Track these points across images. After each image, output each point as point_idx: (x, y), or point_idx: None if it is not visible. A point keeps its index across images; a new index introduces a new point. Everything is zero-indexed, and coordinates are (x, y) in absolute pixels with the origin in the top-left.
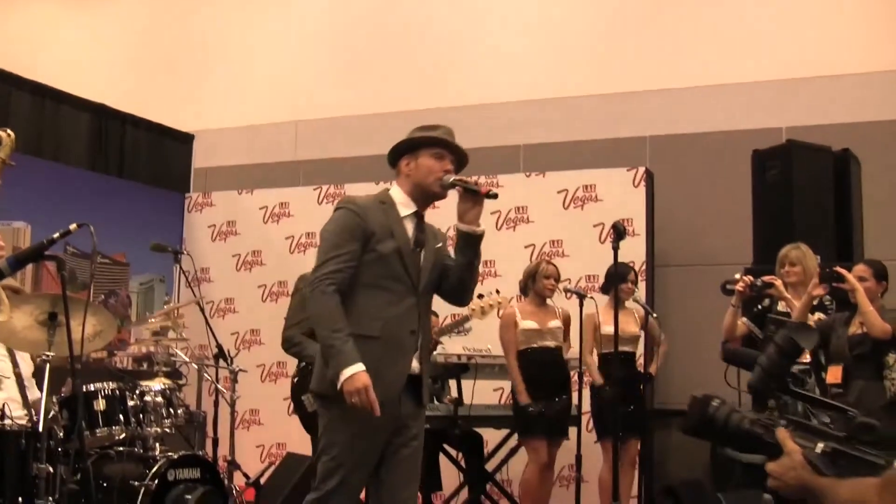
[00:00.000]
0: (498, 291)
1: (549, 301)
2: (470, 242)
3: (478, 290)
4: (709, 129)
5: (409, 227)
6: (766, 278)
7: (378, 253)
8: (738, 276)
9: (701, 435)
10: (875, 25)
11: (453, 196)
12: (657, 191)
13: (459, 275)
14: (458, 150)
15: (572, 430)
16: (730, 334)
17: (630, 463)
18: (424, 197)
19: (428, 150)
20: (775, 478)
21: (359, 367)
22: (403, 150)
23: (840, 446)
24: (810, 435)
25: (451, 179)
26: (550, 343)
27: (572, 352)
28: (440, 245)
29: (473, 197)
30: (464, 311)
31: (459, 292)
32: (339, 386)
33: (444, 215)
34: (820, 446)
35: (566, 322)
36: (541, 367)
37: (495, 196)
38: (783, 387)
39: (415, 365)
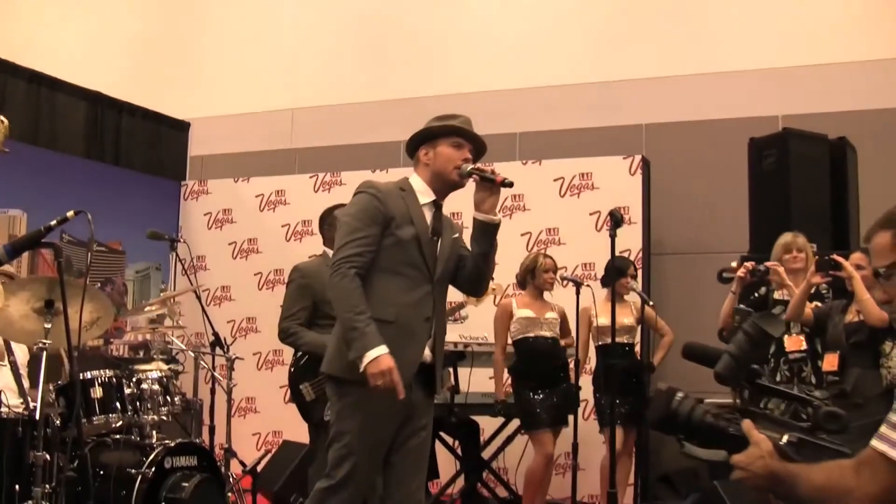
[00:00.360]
0: (492, 278)
1: (545, 295)
2: (487, 232)
3: None
4: (705, 118)
5: (428, 215)
6: (768, 264)
7: (397, 238)
8: (734, 264)
9: (665, 429)
10: (872, 14)
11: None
12: (654, 179)
13: (476, 264)
14: (476, 139)
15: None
16: (727, 322)
17: (627, 452)
18: (443, 186)
19: (446, 139)
20: (742, 468)
21: (383, 349)
22: (422, 140)
23: (805, 436)
24: (775, 426)
25: (469, 168)
26: (547, 333)
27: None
28: (456, 236)
29: (490, 186)
30: (459, 297)
31: (475, 282)
32: (362, 368)
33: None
34: (785, 437)
35: (562, 316)
36: (538, 357)
37: (511, 184)
38: (750, 377)
39: (427, 353)
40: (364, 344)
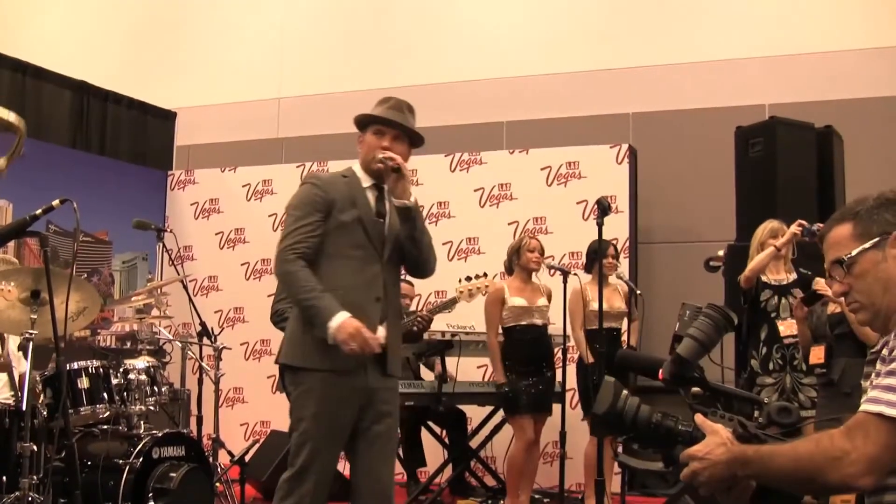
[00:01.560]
0: (486, 274)
1: (534, 278)
2: (404, 216)
3: (463, 268)
4: (692, 106)
5: (371, 198)
6: (819, 225)
7: (340, 221)
8: (720, 252)
9: (610, 426)
10: (859, 4)
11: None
12: (640, 167)
13: (407, 249)
14: (395, 125)
15: (553, 408)
16: (754, 276)
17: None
18: (371, 173)
19: (371, 127)
20: (699, 458)
21: (343, 314)
22: (359, 128)
23: (751, 432)
24: (725, 423)
25: (379, 157)
26: (538, 321)
27: (556, 328)
28: None
29: (401, 174)
30: (451, 293)
31: (412, 266)
32: (330, 340)
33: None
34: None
35: (549, 298)
36: (528, 345)
37: (398, 169)
38: (700, 374)
39: (381, 334)
40: (324, 316)
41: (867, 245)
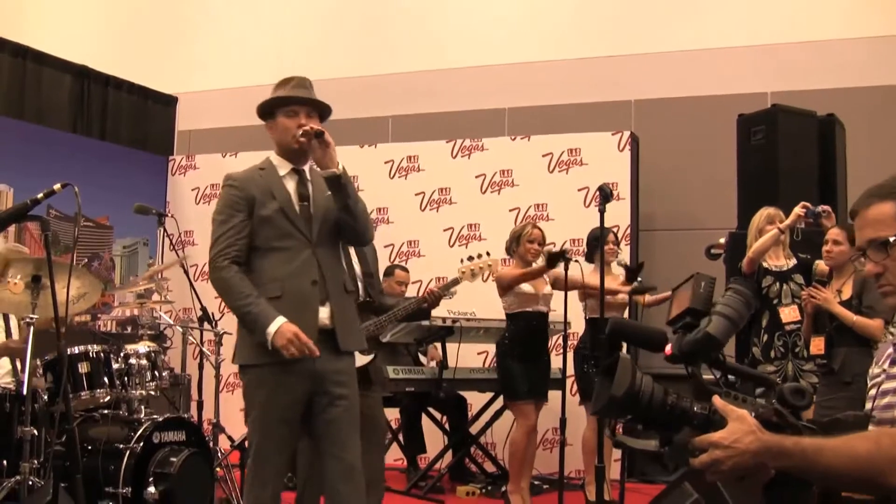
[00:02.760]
0: (488, 253)
1: (535, 265)
2: (334, 185)
3: (464, 254)
4: (694, 94)
5: (291, 184)
6: (825, 207)
7: (262, 216)
8: (722, 240)
9: (626, 410)
10: None
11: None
12: (642, 155)
13: (346, 216)
14: (307, 101)
15: (554, 394)
16: (758, 256)
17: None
18: (293, 155)
19: (281, 109)
20: (726, 447)
21: (280, 319)
22: (264, 116)
23: (788, 420)
24: (739, 404)
25: (300, 132)
26: (543, 308)
27: (557, 315)
28: (329, 193)
29: (326, 143)
30: (454, 273)
31: (350, 237)
32: (270, 346)
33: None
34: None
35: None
36: (532, 332)
37: (321, 133)
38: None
39: (324, 316)
40: (261, 323)
41: None
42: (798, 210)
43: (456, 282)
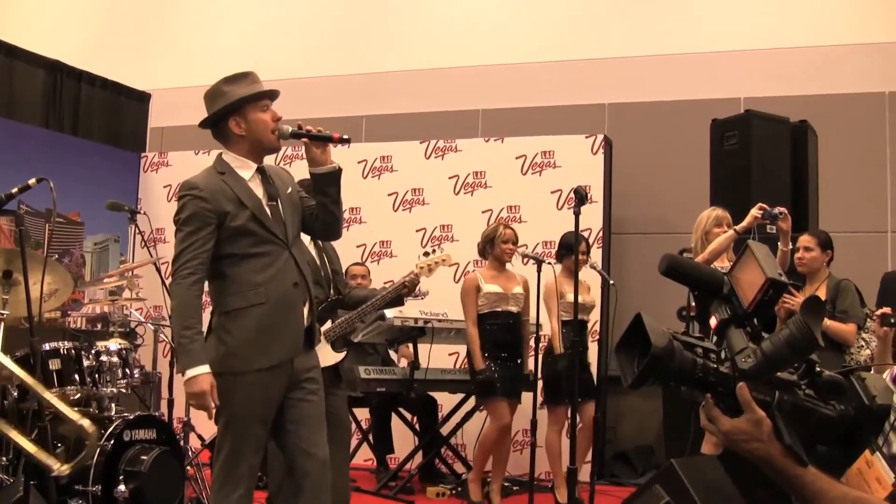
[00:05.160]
0: (442, 248)
1: (508, 266)
2: (332, 180)
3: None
4: (668, 98)
5: (256, 186)
6: (783, 209)
7: (235, 227)
8: (693, 244)
9: (666, 363)
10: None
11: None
12: (615, 158)
13: (330, 211)
14: (275, 94)
15: (525, 396)
16: (713, 257)
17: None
18: (261, 153)
19: (254, 104)
20: (725, 436)
21: (202, 369)
22: (229, 111)
23: (793, 398)
24: (768, 386)
25: (292, 130)
26: (513, 308)
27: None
28: (290, 189)
29: (323, 144)
30: (412, 269)
31: (331, 228)
32: (183, 382)
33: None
34: (778, 395)
35: (526, 288)
36: (503, 331)
37: (349, 141)
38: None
39: (305, 314)
40: (186, 361)
41: None
42: (755, 212)
43: (416, 277)
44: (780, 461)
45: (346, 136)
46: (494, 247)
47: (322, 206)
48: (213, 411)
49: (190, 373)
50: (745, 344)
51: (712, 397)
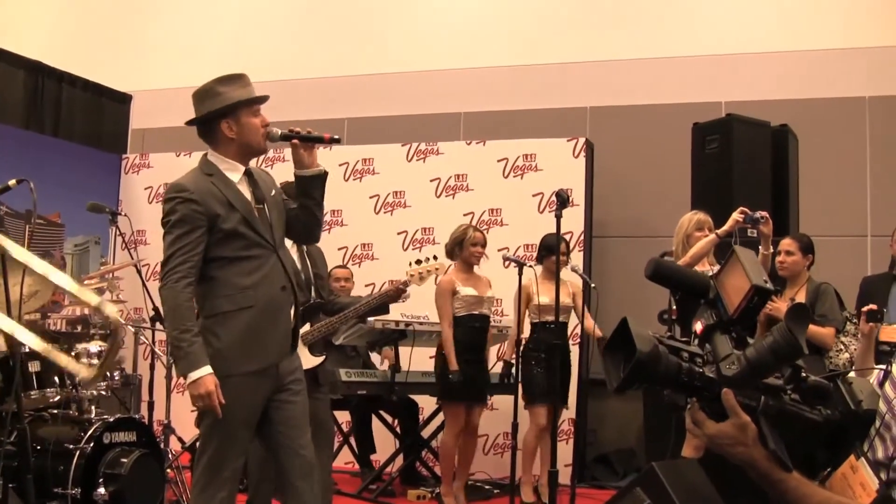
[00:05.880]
0: (436, 257)
1: (475, 269)
2: (319, 182)
3: (415, 256)
4: (649, 102)
5: (245, 189)
6: (764, 213)
7: (226, 230)
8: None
9: (651, 368)
10: (815, 5)
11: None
12: (597, 162)
13: (312, 213)
14: (266, 100)
15: (506, 399)
16: (694, 261)
17: (547, 429)
18: (248, 155)
19: (246, 108)
20: (719, 441)
21: (205, 370)
22: (220, 115)
23: (778, 403)
24: (754, 391)
25: (282, 133)
26: (486, 311)
27: (509, 319)
28: (274, 192)
29: (312, 144)
30: (402, 276)
31: (312, 230)
32: (186, 385)
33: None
34: (763, 400)
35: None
36: (477, 334)
37: (339, 140)
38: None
39: (291, 317)
40: (188, 364)
41: None
42: (736, 216)
43: (406, 284)
44: (764, 465)
45: (336, 136)
46: (463, 249)
47: (305, 209)
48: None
49: (193, 375)
50: (729, 350)
51: (698, 401)
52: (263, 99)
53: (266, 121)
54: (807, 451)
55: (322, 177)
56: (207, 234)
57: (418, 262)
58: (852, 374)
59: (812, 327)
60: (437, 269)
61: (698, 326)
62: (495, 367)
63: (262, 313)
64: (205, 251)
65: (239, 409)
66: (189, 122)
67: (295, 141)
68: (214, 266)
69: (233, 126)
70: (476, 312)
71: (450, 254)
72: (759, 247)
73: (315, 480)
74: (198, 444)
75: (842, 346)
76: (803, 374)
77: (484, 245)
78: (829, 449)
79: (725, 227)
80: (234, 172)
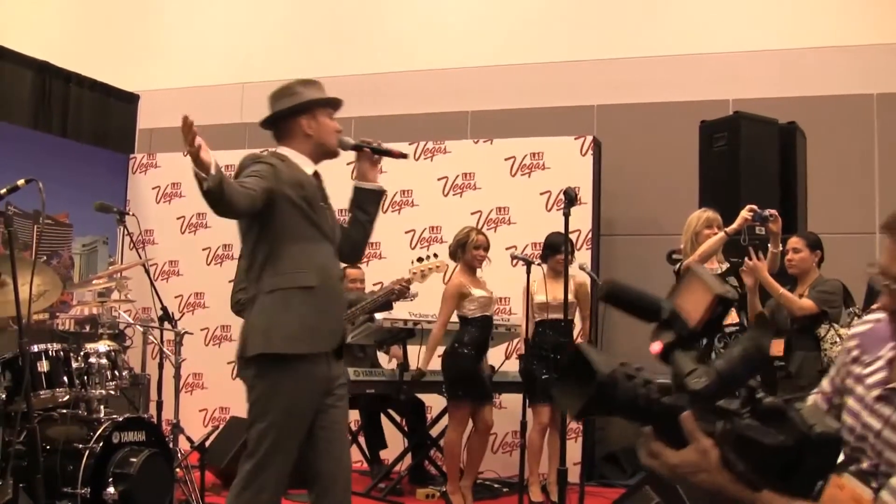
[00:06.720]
0: (436, 255)
1: (477, 272)
2: (376, 198)
3: (423, 255)
4: (657, 100)
5: (315, 183)
6: (773, 211)
7: (292, 200)
8: (682, 245)
9: (610, 393)
10: (823, 1)
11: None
12: (604, 159)
13: (364, 231)
14: (340, 104)
15: (514, 397)
16: (703, 259)
17: (557, 428)
18: (322, 156)
19: (324, 109)
20: (681, 471)
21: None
22: (300, 110)
23: (736, 427)
24: (711, 416)
25: (355, 142)
26: (490, 312)
27: (516, 318)
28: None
29: (377, 158)
30: (405, 275)
31: (359, 249)
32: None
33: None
34: (719, 425)
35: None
36: (487, 334)
37: (406, 156)
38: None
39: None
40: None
41: None
42: (745, 214)
43: (409, 282)
44: (732, 489)
45: (405, 153)
46: (466, 252)
47: (356, 224)
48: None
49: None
50: (694, 365)
51: (654, 431)
52: (340, 103)
53: (339, 127)
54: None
55: (379, 193)
56: (275, 201)
57: (420, 260)
58: (813, 397)
59: (786, 293)
60: (438, 266)
61: (656, 347)
62: (503, 366)
63: (323, 296)
64: (273, 224)
65: (300, 410)
66: (267, 118)
67: (366, 150)
68: (282, 241)
69: (311, 123)
70: (488, 314)
71: (453, 255)
72: (769, 245)
73: (349, 486)
74: (247, 445)
75: (837, 339)
76: (758, 396)
77: (487, 248)
78: (786, 475)
79: (734, 226)
80: (305, 166)
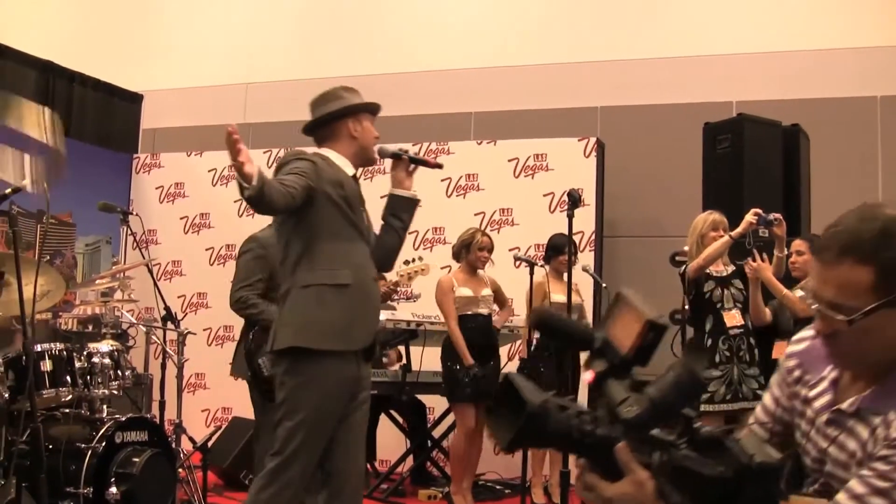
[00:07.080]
0: (421, 258)
1: (479, 271)
2: (410, 206)
3: (428, 258)
4: (660, 101)
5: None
6: (775, 214)
7: (337, 206)
8: (686, 247)
9: (543, 423)
10: (827, 4)
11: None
12: (608, 161)
13: (398, 237)
14: (379, 110)
15: None
16: (709, 261)
17: None
18: (362, 161)
19: (367, 115)
20: (602, 499)
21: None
22: (345, 114)
23: (672, 458)
24: (647, 446)
25: (392, 151)
26: (483, 310)
27: (518, 319)
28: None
29: (413, 167)
30: (391, 276)
31: (391, 256)
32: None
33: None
34: (656, 456)
35: (495, 289)
36: (474, 333)
37: (441, 166)
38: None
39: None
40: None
41: (884, 300)
42: (750, 217)
43: (397, 284)
44: None
45: (440, 163)
46: (470, 252)
47: (389, 230)
48: None
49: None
50: (626, 394)
51: (589, 463)
52: (379, 108)
53: (378, 134)
54: None
55: (414, 201)
56: (316, 198)
57: (406, 262)
58: (754, 426)
59: (789, 294)
60: (423, 269)
61: (588, 376)
62: (505, 367)
63: (357, 295)
64: (314, 220)
65: (330, 409)
66: (316, 120)
67: (404, 158)
68: (322, 238)
69: (357, 127)
70: (469, 312)
71: (456, 255)
72: (774, 249)
73: (361, 486)
74: (278, 444)
75: None
76: (696, 426)
77: (491, 250)
78: None
79: (739, 229)
80: (347, 168)
